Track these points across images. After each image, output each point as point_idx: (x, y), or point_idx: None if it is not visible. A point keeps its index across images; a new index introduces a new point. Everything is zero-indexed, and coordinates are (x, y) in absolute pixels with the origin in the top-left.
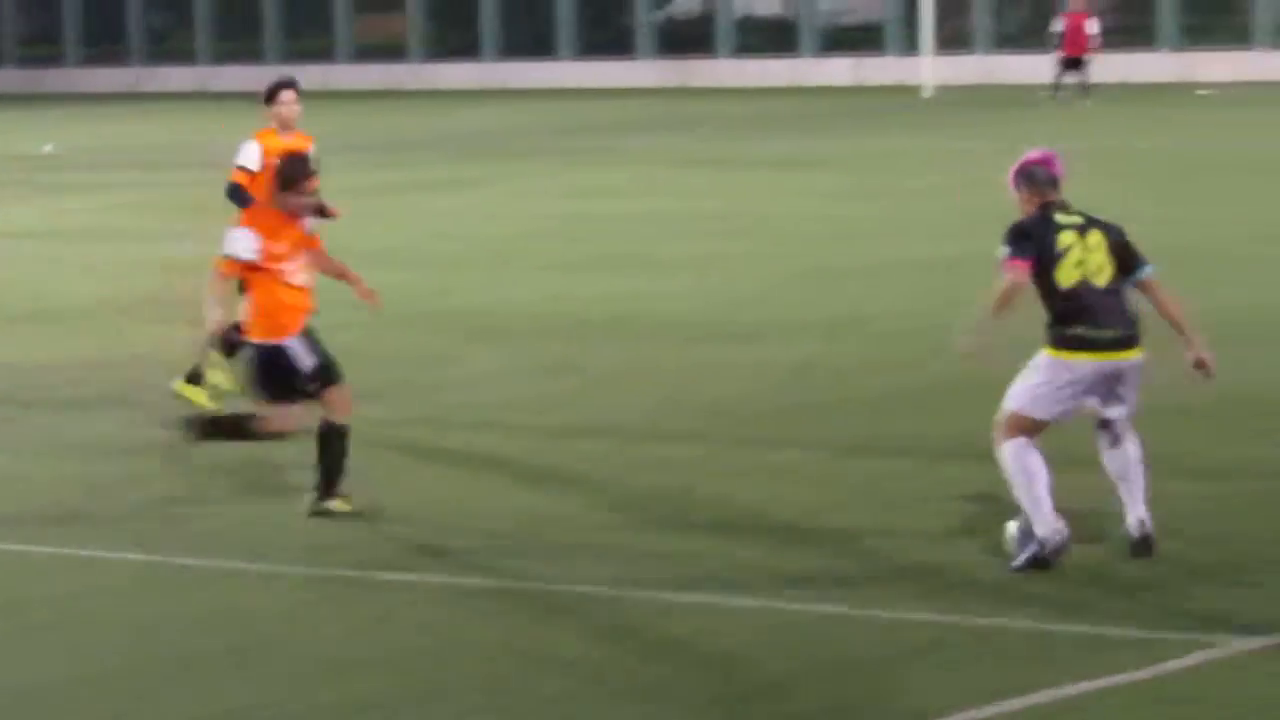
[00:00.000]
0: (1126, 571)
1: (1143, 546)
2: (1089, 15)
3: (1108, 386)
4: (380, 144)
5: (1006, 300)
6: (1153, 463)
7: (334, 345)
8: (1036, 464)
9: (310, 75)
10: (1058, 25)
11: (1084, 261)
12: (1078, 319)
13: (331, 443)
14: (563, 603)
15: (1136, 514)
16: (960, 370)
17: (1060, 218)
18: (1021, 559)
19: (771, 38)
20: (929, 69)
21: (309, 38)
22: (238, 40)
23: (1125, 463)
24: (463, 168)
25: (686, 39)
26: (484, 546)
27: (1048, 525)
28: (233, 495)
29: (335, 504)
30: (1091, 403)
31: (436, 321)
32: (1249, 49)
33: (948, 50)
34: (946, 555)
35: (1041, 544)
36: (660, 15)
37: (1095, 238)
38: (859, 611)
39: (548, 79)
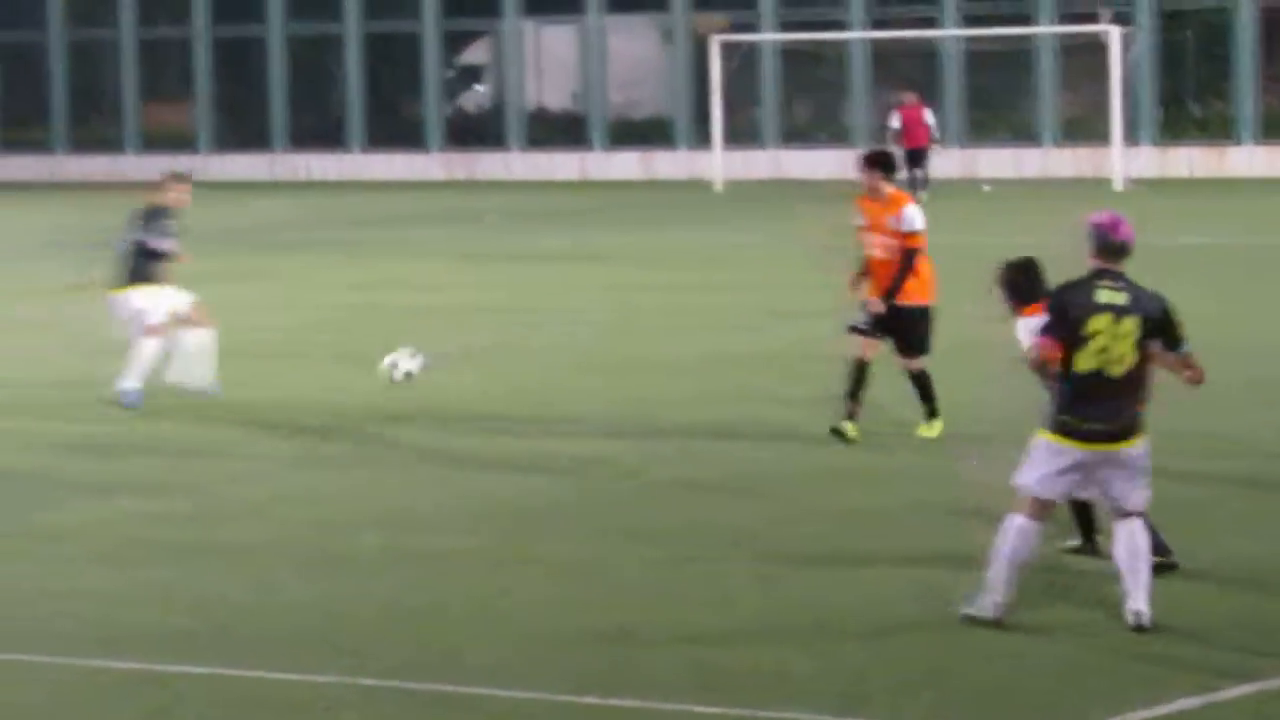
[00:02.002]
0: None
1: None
2: (924, 107)
3: (1100, 476)
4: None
5: (1041, 369)
6: None
7: (114, 436)
8: (1020, 547)
9: (97, 166)
10: (894, 121)
11: (1106, 349)
12: (1072, 406)
13: None
14: (347, 699)
15: (1135, 605)
16: (746, 463)
17: (1103, 295)
18: (969, 609)
19: (561, 131)
20: (719, 164)
21: (97, 126)
22: (24, 129)
23: (1129, 553)
24: (252, 259)
25: (476, 132)
26: (277, 637)
27: (990, 598)
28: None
29: None
30: (1092, 491)
31: (223, 413)
32: (1032, 146)
33: (737, 145)
34: (734, 652)
35: (982, 608)
36: (449, 108)
37: (1129, 325)
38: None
39: (337, 171)
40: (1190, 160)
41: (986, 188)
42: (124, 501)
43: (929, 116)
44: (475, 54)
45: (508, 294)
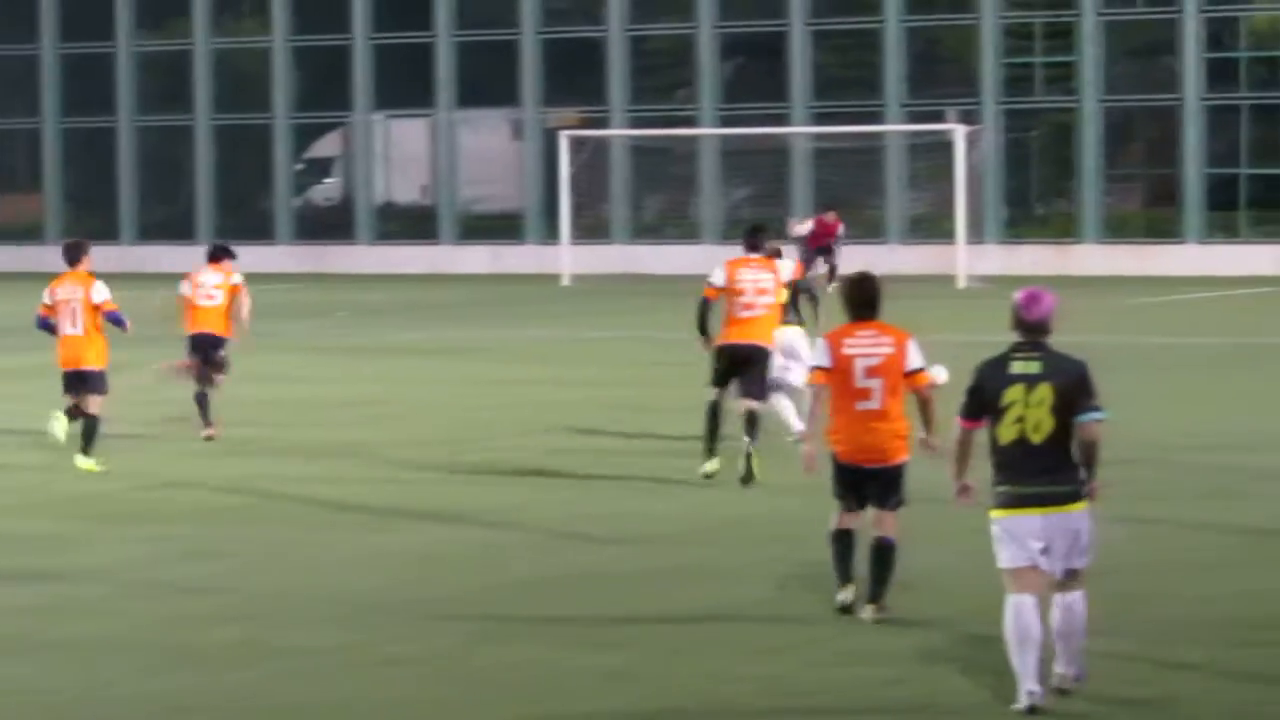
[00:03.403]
0: None
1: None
2: (840, 222)
3: (1042, 540)
4: (16, 327)
5: (961, 452)
6: None
7: None
8: (1025, 625)
9: None
10: (804, 228)
11: (1023, 418)
12: (1005, 477)
13: None
14: None
15: (1060, 669)
16: (593, 557)
17: (1017, 366)
18: (1017, 705)
19: (411, 225)
20: (568, 258)
21: None
22: None
23: (1065, 621)
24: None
25: (326, 225)
26: None
27: (1023, 687)
28: None
29: None
30: (1041, 560)
31: (68, 505)
32: (879, 243)
33: (587, 239)
34: None
35: (1020, 700)
36: (299, 201)
37: (1042, 392)
38: None
39: (186, 263)
40: (1035, 258)
41: (832, 287)
42: None
43: (840, 229)
44: (326, 147)
45: (359, 388)
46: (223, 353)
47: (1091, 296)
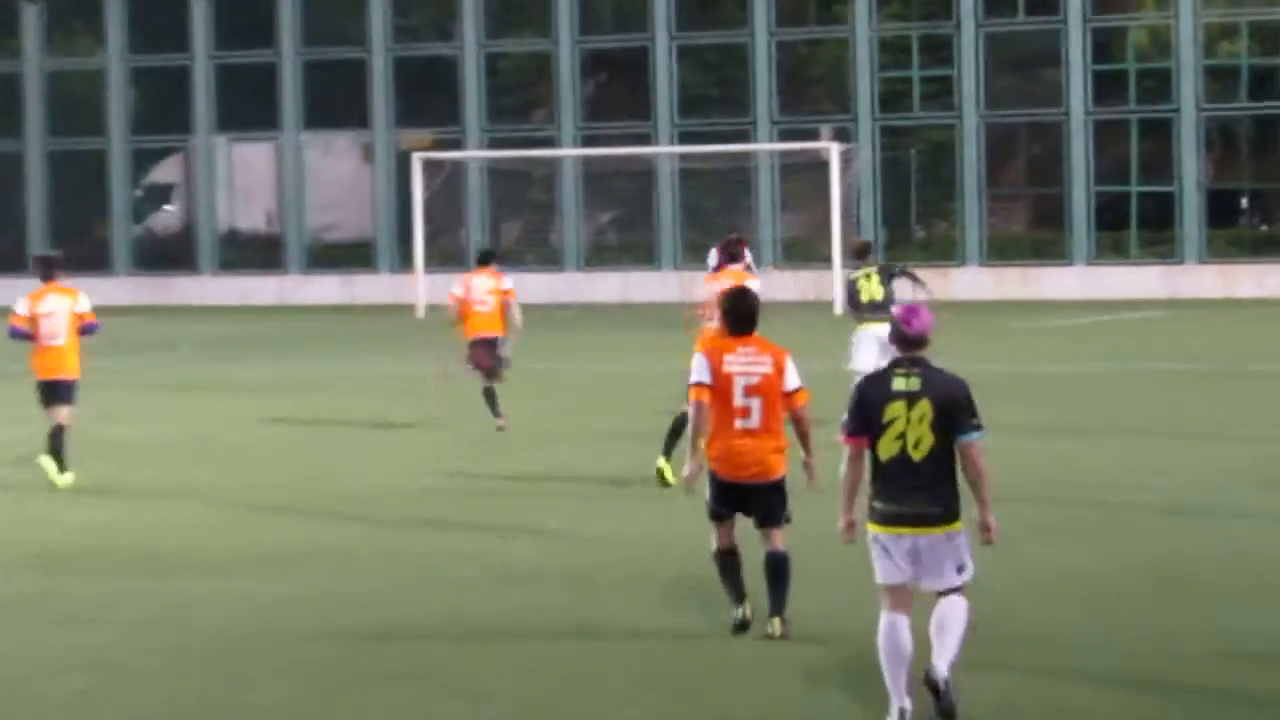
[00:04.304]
0: None
1: (939, 701)
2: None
3: (916, 560)
4: None
5: (854, 472)
6: None
7: None
8: (896, 644)
9: None
10: (712, 259)
11: (904, 435)
12: (882, 493)
13: None
14: None
15: (938, 664)
16: (447, 611)
17: (898, 382)
18: None
19: (257, 254)
20: (422, 288)
21: None
22: None
23: (942, 616)
24: None
25: (167, 254)
26: None
27: (894, 704)
28: None
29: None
30: (913, 578)
31: None
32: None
33: (442, 268)
34: None
35: (891, 713)
36: (138, 229)
37: (922, 408)
38: None
39: (17, 295)
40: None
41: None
42: None
43: (748, 254)
44: (165, 172)
45: (203, 427)
46: (503, 352)
47: (974, 320)
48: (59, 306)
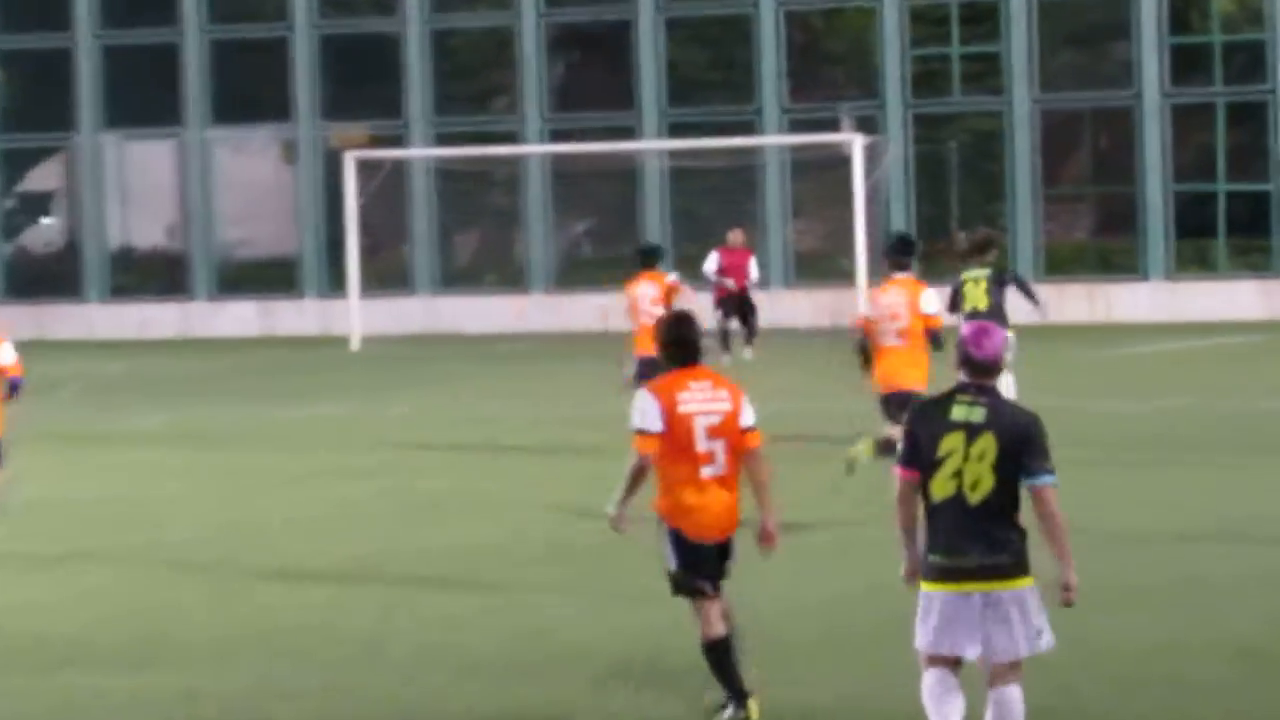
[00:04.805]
0: None
1: None
2: (751, 252)
3: (972, 622)
4: None
5: (904, 513)
6: None
7: None
8: (942, 705)
9: None
10: (711, 264)
11: (961, 472)
12: (935, 543)
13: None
14: None
15: None
16: (388, 701)
17: (959, 411)
18: None
19: (156, 276)
20: (357, 315)
21: None
22: None
23: (1001, 715)
24: None
25: (46, 277)
26: None
27: None
28: None
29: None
30: (966, 647)
31: None
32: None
33: (381, 291)
34: None
35: None
36: (10, 247)
37: (984, 443)
38: None
39: None
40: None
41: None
42: None
43: (753, 267)
44: (43, 178)
45: (93, 485)
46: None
47: (1028, 347)
48: None
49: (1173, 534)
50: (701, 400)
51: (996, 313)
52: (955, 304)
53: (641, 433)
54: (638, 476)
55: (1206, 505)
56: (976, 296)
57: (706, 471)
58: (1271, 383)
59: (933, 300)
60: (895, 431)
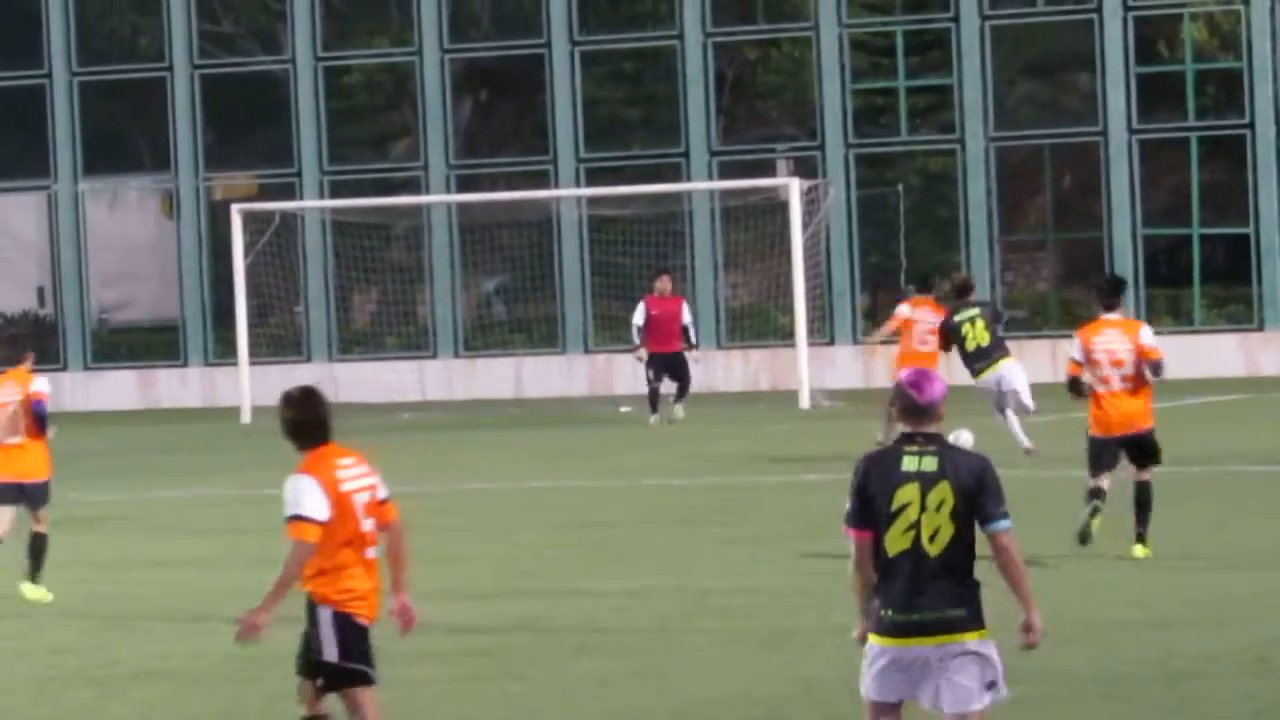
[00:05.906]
0: None
1: None
2: (682, 300)
3: (928, 677)
4: None
5: (861, 575)
6: None
7: None
8: None
9: None
10: (639, 316)
11: (918, 524)
12: (888, 598)
13: None
14: None
15: None
16: None
17: (909, 462)
18: None
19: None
20: (247, 384)
21: None
22: None
23: None
24: None
25: None
26: None
27: None
28: None
29: None
30: (919, 697)
31: None
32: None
33: (273, 357)
34: None
35: None
36: None
37: (940, 492)
38: None
39: None
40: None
41: (625, 408)
42: None
43: (686, 313)
44: None
45: None
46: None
47: (985, 410)
48: (13, 396)
49: (1137, 606)
50: (354, 477)
51: (999, 345)
52: (958, 344)
53: (299, 520)
54: (295, 567)
55: (1168, 576)
56: (977, 334)
57: (371, 553)
58: (1252, 445)
59: (1151, 334)
60: (1105, 481)
